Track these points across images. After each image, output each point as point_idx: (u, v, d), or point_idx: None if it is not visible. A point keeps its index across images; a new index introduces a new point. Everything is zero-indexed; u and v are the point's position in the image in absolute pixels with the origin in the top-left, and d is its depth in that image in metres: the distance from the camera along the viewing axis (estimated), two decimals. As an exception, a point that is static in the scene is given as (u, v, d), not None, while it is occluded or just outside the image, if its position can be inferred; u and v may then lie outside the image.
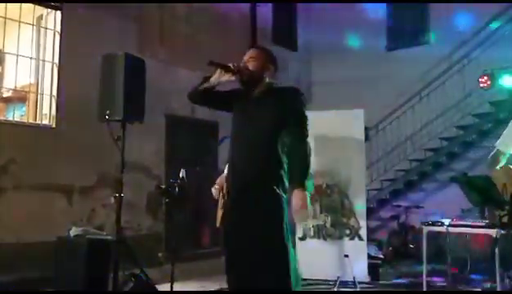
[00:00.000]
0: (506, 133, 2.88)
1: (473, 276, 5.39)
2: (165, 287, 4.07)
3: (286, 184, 2.63)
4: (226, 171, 4.38)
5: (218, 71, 2.73)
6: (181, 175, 3.62)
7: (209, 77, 2.79)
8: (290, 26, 10.05)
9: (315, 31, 9.69)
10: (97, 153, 5.73)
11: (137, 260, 3.75)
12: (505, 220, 2.26)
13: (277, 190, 2.56)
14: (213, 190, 4.37)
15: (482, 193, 2.35)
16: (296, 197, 2.51)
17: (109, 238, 3.92)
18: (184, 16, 7.56)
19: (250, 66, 2.74)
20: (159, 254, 6.48)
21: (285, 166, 2.66)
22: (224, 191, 4.03)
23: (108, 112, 3.69)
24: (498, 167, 2.75)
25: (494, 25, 7.57)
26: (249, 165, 2.64)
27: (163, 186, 3.65)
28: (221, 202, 4.17)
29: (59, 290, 3.92)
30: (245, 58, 2.79)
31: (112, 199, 3.76)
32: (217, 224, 4.24)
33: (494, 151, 2.92)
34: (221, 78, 2.73)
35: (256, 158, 2.63)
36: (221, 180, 4.32)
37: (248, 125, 2.71)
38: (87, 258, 3.76)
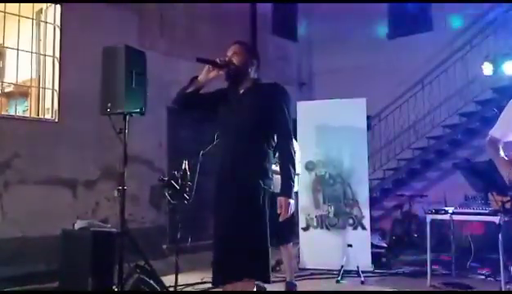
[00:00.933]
0: (502, 119, 2.80)
1: (477, 264, 5.40)
2: (170, 278, 4.09)
3: (270, 176, 2.72)
4: None
5: (206, 68, 2.81)
6: (183, 167, 3.62)
7: (197, 77, 2.86)
8: (290, 16, 9.99)
9: (315, 20, 9.63)
10: (100, 147, 5.75)
11: (142, 252, 3.77)
12: (508, 206, 2.25)
13: (261, 184, 2.65)
14: None
15: (485, 178, 2.32)
16: (280, 205, 2.64)
17: (113, 230, 3.94)
18: (184, 7, 7.52)
19: (235, 61, 2.79)
20: (164, 246, 6.52)
21: (271, 159, 2.74)
22: None
23: (109, 105, 3.69)
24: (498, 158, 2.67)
25: (496, 12, 7.50)
26: (235, 159, 2.71)
27: (166, 178, 3.66)
28: None
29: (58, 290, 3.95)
30: (229, 53, 2.83)
31: (116, 192, 3.77)
32: None
33: (488, 138, 2.84)
34: (209, 75, 2.82)
35: (241, 154, 2.70)
36: None
37: (234, 121, 2.76)
38: (92, 251, 3.78)
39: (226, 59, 2.80)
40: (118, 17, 6.45)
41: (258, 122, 2.71)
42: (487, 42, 7.27)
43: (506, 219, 3.79)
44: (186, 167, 3.65)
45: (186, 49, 7.46)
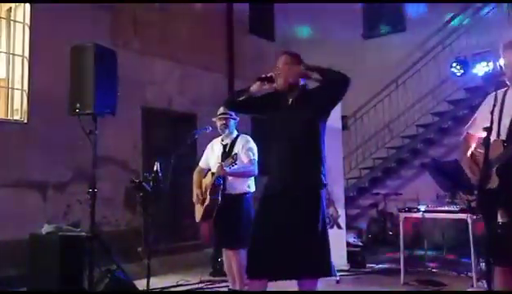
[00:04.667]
0: (477, 116, 2.88)
1: (452, 259, 5.50)
2: (145, 281, 4.02)
3: (324, 179, 2.90)
4: (200, 163, 4.36)
5: (259, 82, 2.99)
6: (155, 169, 3.56)
7: (249, 88, 3.04)
8: (267, 16, 9.99)
9: (292, 20, 9.65)
10: (72, 148, 5.62)
11: (113, 256, 3.69)
12: (474, 205, 2.29)
13: (317, 189, 2.86)
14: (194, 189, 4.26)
15: (452, 178, 2.37)
16: None
17: (83, 234, 3.85)
18: (159, 5, 7.42)
19: (286, 73, 2.95)
20: (139, 249, 6.42)
21: (324, 162, 2.92)
22: (202, 188, 4.02)
23: (78, 105, 3.61)
24: (468, 154, 2.75)
25: (468, 13, 7.66)
26: (289, 167, 2.90)
27: (137, 180, 3.59)
28: (200, 197, 4.11)
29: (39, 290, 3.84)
30: (280, 65, 2.99)
31: (88, 195, 3.69)
32: (197, 220, 4.19)
33: (464, 135, 2.92)
34: (262, 87, 3.01)
35: (295, 161, 2.88)
36: (198, 175, 4.25)
37: (286, 129, 2.95)
38: (60, 255, 3.69)
39: (277, 71, 2.95)
40: (90, 15, 6.31)
41: (308, 128, 2.89)
42: (459, 43, 7.41)
43: (474, 217, 3.88)
44: (158, 168, 3.59)
45: (162, 48, 7.38)
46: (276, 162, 2.99)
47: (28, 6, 5.88)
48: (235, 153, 3.76)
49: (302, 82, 3.03)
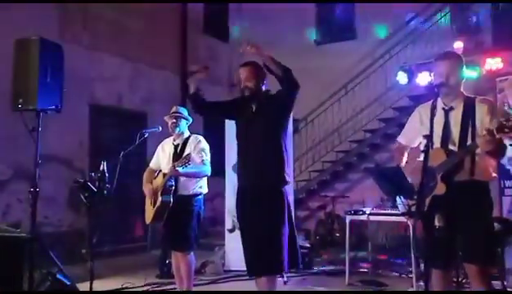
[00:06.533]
0: (408, 126, 3.02)
1: (394, 261, 5.73)
2: (88, 284, 3.89)
3: (286, 177, 3.11)
4: (151, 164, 4.28)
5: (191, 78, 3.26)
6: (101, 168, 3.45)
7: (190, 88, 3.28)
8: (222, 17, 9.98)
9: (247, 22, 9.69)
10: (13, 145, 5.37)
11: (54, 258, 3.55)
12: (413, 209, 2.40)
13: (279, 187, 3.06)
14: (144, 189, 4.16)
15: (393, 182, 2.48)
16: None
17: (23, 235, 3.67)
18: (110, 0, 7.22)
19: (250, 85, 3.16)
20: (83, 250, 6.21)
21: (287, 162, 3.13)
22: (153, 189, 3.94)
23: (21, 101, 3.45)
24: (402, 164, 2.89)
25: (415, 23, 8.02)
26: (252, 167, 3.10)
27: (82, 180, 3.46)
28: (151, 199, 4.02)
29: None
30: (242, 76, 3.21)
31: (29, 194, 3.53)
32: (148, 222, 4.10)
33: (396, 144, 3.06)
34: (197, 79, 3.26)
35: (257, 162, 3.08)
36: (149, 175, 4.17)
37: (249, 133, 3.16)
38: (-2, 257, 3.49)
39: (242, 84, 3.17)
40: (38, 9, 6.05)
41: (270, 130, 3.10)
42: (406, 52, 7.74)
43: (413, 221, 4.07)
44: (105, 168, 3.48)
45: (112, 44, 7.19)
46: (241, 163, 3.20)
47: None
48: (189, 154, 3.71)
49: (264, 88, 3.22)
